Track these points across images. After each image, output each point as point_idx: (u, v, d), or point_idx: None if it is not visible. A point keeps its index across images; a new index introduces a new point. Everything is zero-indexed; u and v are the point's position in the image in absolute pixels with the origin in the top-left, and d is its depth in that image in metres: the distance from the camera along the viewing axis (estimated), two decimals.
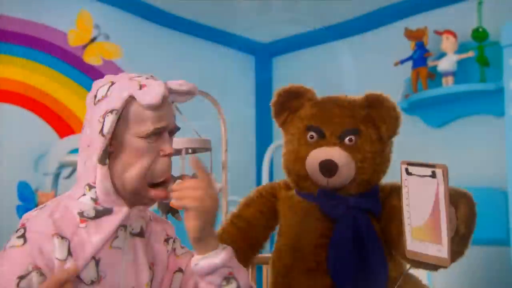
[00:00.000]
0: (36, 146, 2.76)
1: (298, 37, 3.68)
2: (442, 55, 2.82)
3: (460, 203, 1.16)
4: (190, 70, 3.39)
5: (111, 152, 1.04)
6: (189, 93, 1.10)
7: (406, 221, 1.05)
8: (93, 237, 1.02)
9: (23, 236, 0.99)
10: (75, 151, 2.67)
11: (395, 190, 1.46)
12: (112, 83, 1.06)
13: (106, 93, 1.05)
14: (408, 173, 1.04)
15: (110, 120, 1.03)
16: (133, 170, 1.04)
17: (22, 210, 2.53)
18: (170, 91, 1.08)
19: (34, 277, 0.95)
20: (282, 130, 1.54)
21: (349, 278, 1.35)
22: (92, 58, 3.04)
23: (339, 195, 1.41)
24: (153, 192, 1.06)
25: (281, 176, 1.59)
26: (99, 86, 1.08)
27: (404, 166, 1.05)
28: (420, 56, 2.85)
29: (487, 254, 2.45)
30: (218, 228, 1.57)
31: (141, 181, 1.05)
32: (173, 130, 1.10)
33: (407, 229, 1.05)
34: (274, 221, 1.54)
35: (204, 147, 1.89)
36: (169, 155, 1.07)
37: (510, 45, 2.34)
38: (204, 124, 2.19)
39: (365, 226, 1.37)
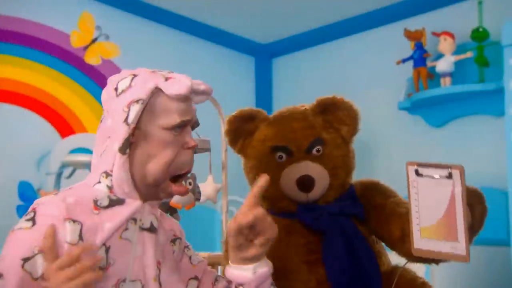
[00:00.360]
0: (38, 146, 2.77)
1: (298, 37, 3.68)
2: (441, 55, 2.83)
3: (475, 202, 1.18)
4: (190, 71, 3.38)
5: (132, 143, 1.04)
6: (204, 93, 1.11)
7: (414, 221, 1.05)
8: (105, 224, 1.01)
9: (32, 219, 0.99)
10: (76, 150, 2.67)
11: (372, 189, 1.46)
12: (134, 75, 1.07)
13: (130, 83, 1.06)
14: (418, 175, 1.04)
15: (135, 109, 1.03)
16: (157, 161, 1.04)
17: (22, 210, 2.53)
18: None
19: (39, 259, 0.95)
20: (242, 156, 1.52)
21: (351, 286, 1.34)
22: (92, 58, 3.05)
23: (319, 205, 1.39)
24: (174, 188, 1.07)
25: None
26: (119, 79, 1.09)
27: (412, 167, 1.04)
28: (420, 56, 2.87)
29: (487, 254, 2.45)
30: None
31: (164, 173, 1.05)
32: (194, 125, 1.12)
33: (415, 228, 1.06)
34: None
35: (203, 147, 1.89)
36: (193, 148, 1.08)
37: (511, 45, 2.34)
38: (204, 124, 2.19)
39: (352, 231, 1.36)
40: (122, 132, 1.03)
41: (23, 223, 0.99)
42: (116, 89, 1.08)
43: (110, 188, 1.05)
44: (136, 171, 1.05)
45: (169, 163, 1.05)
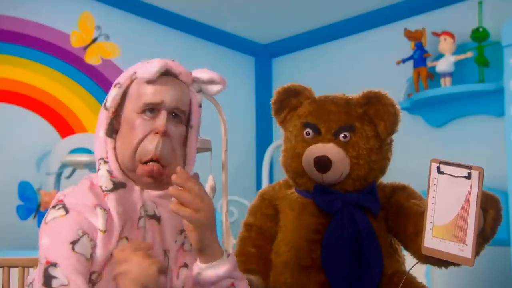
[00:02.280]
0: (38, 146, 2.77)
1: (297, 37, 3.68)
2: (441, 55, 2.83)
3: (490, 207, 1.17)
4: (190, 70, 3.40)
5: (117, 130, 1.06)
6: (213, 82, 1.12)
7: (428, 218, 1.05)
8: (125, 214, 1.02)
9: (63, 207, 0.99)
10: (76, 150, 2.67)
11: (400, 190, 1.47)
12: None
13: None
14: (440, 172, 1.04)
15: (112, 93, 1.06)
16: (126, 145, 1.04)
17: (22, 210, 2.53)
18: (195, 79, 1.12)
19: (86, 240, 0.96)
20: (282, 128, 1.55)
21: (343, 275, 1.35)
22: (92, 58, 3.05)
23: (335, 191, 1.41)
24: (139, 168, 1.03)
25: (281, 175, 1.59)
26: None
27: (435, 164, 1.04)
28: (420, 56, 2.88)
29: (487, 254, 2.44)
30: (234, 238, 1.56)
31: (131, 157, 1.03)
32: (175, 112, 1.07)
33: (428, 226, 1.05)
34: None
35: (204, 147, 1.89)
36: (160, 133, 1.03)
37: (511, 45, 2.34)
38: (204, 124, 2.18)
39: (362, 223, 1.37)
40: (103, 117, 1.06)
41: (55, 212, 0.99)
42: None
43: (110, 173, 1.04)
44: (119, 157, 1.06)
45: (135, 148, 1.03)
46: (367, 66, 3.33)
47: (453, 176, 1.03)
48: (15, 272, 1.49)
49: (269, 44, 3.85)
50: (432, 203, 1.05)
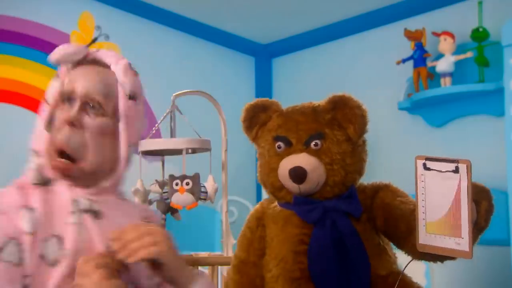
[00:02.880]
0: None
1: (297, 37, 3.68)
2: (441, 55, 2.83)
3: (482, 198, 1.17)
4: (190, 70, 3.40)
5: None
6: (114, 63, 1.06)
7: (420, 215, 1.05)
8: (53, 210, 0.96)
9: None
10: None
11: (382, 189, 1.47)
12: None
13: None
14: (426, 168, 1.04)
15: (52, 86, 1.04)
16: (46, 139, 1.02)
17: None
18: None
19: (12, 245, 0.92)
20: (255, 145, 1.55)
21: (332, 283, 1.35)
22: None
23: (315, 200, 1.41)
24: (52, 163, 1.00)
25: None
26: None
27: (421, 161, 1.04)
28: (420, 56, 2.88)
29: (487, 254, 2.45)
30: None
31: (46, 150, 1.01)
32: (91, 102, 1.01)
33: (421, 223, 1.05)
34: None
35: (204, 147, 1.89)
36: (67, 123, 0.99)
37: (511, 45, 2.34)
38: (204, 124, 2.19)
39: (345, 228, 1.37)
40: (43, 111, 1.04)
41: None
42: None
43: (40, 167, 1.02)
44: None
45: (49, 141, 1.01)
46: (367, 66, 3.33)
47: (441, 171, 1.02)
48: None
49: (269, 44, 3.85)
50: (422, 200, 1.05)
